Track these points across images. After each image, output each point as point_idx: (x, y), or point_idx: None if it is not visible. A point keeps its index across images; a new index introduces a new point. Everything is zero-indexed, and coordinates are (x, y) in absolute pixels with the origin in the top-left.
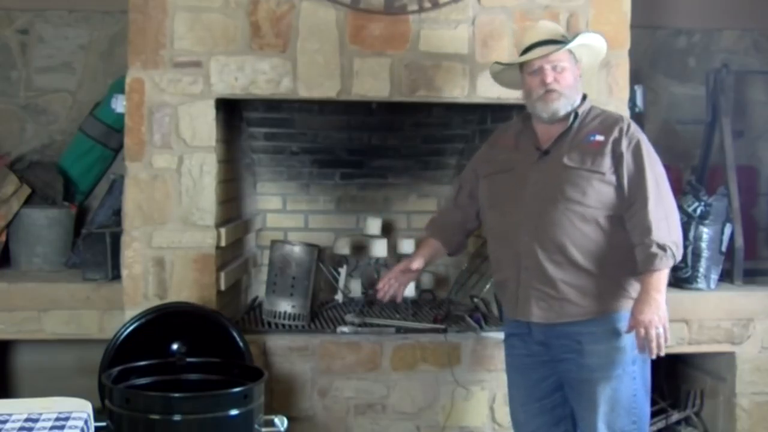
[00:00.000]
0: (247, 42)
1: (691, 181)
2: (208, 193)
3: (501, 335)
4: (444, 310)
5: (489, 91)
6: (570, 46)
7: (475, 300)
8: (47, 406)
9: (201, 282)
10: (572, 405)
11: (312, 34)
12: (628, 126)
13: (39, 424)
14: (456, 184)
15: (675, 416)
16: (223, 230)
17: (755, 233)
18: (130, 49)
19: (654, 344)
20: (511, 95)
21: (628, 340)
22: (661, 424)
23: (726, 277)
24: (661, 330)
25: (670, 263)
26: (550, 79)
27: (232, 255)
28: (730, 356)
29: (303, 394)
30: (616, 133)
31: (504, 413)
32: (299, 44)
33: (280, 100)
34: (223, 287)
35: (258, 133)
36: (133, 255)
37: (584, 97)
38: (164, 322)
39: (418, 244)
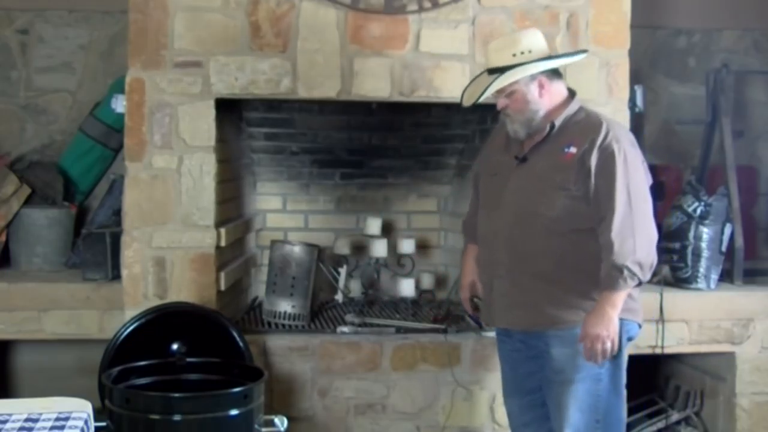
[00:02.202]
0: (247, 42)
1: (691, 181)
2: (208, 193)
3: None
4: (444, 310)
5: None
6: (499, 83)
7: (475, 300)
8: (47, 406)
9: (201, 282)
10: (547, 404)
11: (312, 34)
12: (605, 136)
13: (39, 424)
14: (472, 178)
15: (675, 416)
16: (223, 230)
17: (755, 233)
18: (130, 49)
19: (599, 357)
20: None
21: None
22: (661, 424)
23: (726, 277)
24: (608, 345)
25: (630, 284)
26: (500, 106)
27: (232, 255)
28: (730, 356)
29: (303, 394)
30: (587, 144)
31: (503, 413)
32: (299, 44)
33: (280, 100)
34: (223, 287)
35: (258, 133)
36: (133, 255)
37: (572, 96)
38: (164, 322)
39: (464, 253)
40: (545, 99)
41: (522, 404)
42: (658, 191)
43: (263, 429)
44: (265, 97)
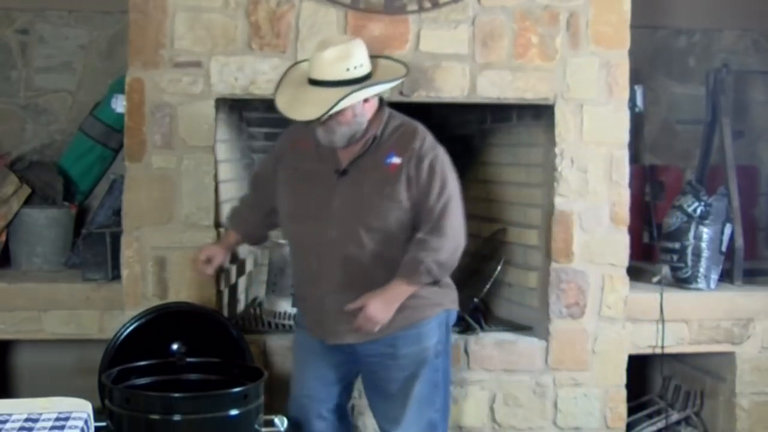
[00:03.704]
0: (247, 42)
1: (691, 181)
2: (208, 193)
3: (502, 335)
4: None
5: (489, 91)
6: (347, 102)
7: (475, 300)
8: (47, 406)
9: (201, 282)
10: (376, 403)
11: (312, 34)
12: (422, 142)
13: (39, 424)
14: (253, 175)
15: (675, 416)
16: (222, 230)
17: (755, 233)
18: (130, 49)
19: (362, 330)
20: (511, 95)
21: (434, 338)
22: (661, 424)
23: (726, 277)
24: (376, 329)
25: (424, 280)
26: (323, 118)
27: (231, 255)
28: (730, 356)
29: None
30: (409, 153)
31: (503, 413)
32: (299, 44)
33: None
34: (222, 287)
35: (258, 133)
36: (133, 255)
37: (381, 104)
38: (164, 322)
39: (223, 237)
40: (368, 110)
41: (331, 391)
42: (658, 191)
43: (263, 429)
44: (266, 97)
